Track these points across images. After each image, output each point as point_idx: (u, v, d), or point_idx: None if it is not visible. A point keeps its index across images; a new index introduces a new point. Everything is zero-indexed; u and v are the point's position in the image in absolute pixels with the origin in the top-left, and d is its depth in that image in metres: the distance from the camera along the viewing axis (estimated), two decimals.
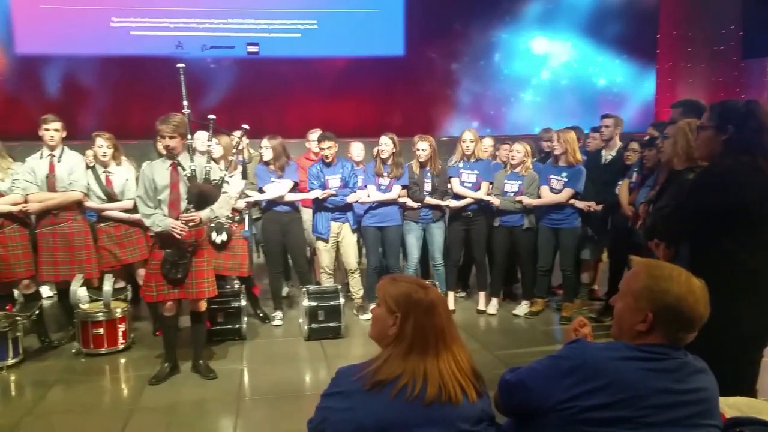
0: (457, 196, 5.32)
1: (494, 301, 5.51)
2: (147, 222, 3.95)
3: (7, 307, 4.52)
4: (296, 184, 5.14)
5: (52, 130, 4.47)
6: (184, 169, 3.89)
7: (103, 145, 4.60)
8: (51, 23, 8.75)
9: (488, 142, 5.78)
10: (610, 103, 10.00)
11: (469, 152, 5.31)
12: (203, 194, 3.92)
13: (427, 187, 5.28)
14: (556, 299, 5.68)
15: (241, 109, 8.15)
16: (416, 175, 5.28)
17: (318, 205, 5.23)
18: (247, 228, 4.99)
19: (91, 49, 8.82)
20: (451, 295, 5.48)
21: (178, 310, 4.16)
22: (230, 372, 4.17)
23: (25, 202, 4.44)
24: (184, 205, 3.90)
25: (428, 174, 5.29)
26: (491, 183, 5.33)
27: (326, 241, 5.23)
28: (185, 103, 4.06)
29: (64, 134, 4.56)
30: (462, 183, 5.32)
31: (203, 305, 4.11)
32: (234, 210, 4.84)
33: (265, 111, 8.62)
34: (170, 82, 4.32)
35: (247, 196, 5.03)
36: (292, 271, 5.75)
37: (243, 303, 4.79)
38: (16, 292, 4.72)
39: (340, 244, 5.29)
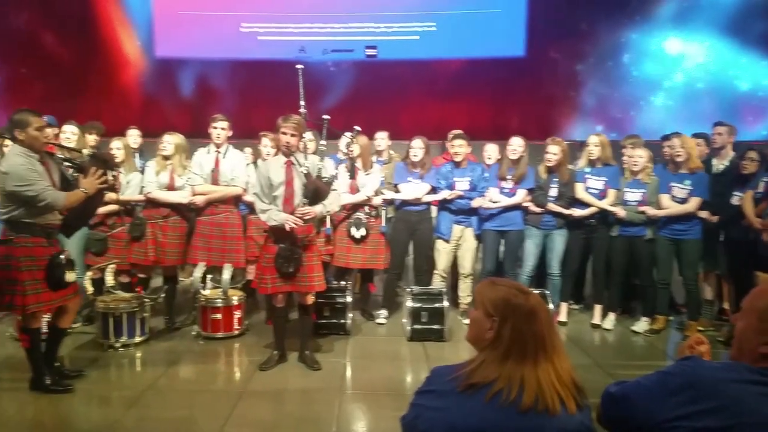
0: (580, 202, 5.09)
1: (611, 315, 5.21)
2: (263, 217, 4.12)
3: (137, 290, 4.92)
4: (434, 189, 5.18)
5: (219, 128, 4.78)
6: (299, 166, 4.03)
7: (267, 144, 4.91)
8: (187, 29, 9.47)
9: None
10: (754, 109, 9.15)
11: (595, 157, 5.07)
12: (318, 190, 4.06)
13: (553, 192, 5.10)
14: (679, 318, 5.28)
15: (357, 110, 8.32)
16: (542, 180, 5.11)
17: (443, 206, 5.23)
18: (384, 224, 5.13)
19: (222, 52, 9.43)
20: (564, 306, 5.26)
21: (288, 302, 4.33)
22: (334, 365, 4.27)
23: (193, 194, 4.81)
24: (297, 200, 4.05)
25: (555, 179, 5.11)
26: (618, 190, 5.04)
27: (447, 242, 5.22)
28: (302, 103, 4.22)
29: (230, 133, 4.86)
30: (587, 189, 5.08)
31: (311, 299, 4.25)
32: (371, 206, 5.04)
33: (380, 113, 8.74)
34: (292, 84, 4.50)
35: (381, 193, 5.16)
36: (407, 270, 5.78)
37: (349, 299, 4.88)
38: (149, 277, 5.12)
39: (459, 248, 5.26)
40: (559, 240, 5.14)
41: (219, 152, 4.85)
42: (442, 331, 4.74)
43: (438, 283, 5.22)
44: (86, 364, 4.15)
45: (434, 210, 5.47)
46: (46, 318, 3.88)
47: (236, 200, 4.99)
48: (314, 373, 4.12)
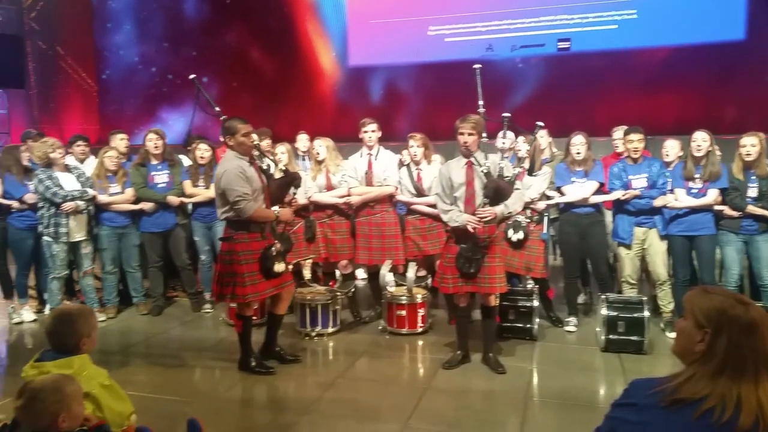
0: None
1: None
2: (444, 218, 4.13)
3: (330, 284, 5.23)
4: (601, 185, 4.84)
5: (370, 131, 5.00)
6: (480, 166, 3.97)
7: (414, 145, 4.99)
8: (377, 36, 9.88)
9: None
10: None
11: None
12: (499, 190, 3.95)
13: (752, 192, 4.44)
14: None
15: (547, 107, 7.99)
16: (738, 179, 4.48)
17: (619, 207, 4.82)
18: (545, 230, 4.88)
19: (409, 57, 9.66)
20: None
21: (470, 303, 4.29)
22: (519, 370, 4.13)
23: (348, 195, 5.06)
24: (478, 201, 3.98)
25: (753, 177, 4.45)
26: None
27: (629, 247, 4.80)
28: (480, 102, 4.17)
29: (380, 134, 5.06)
30: None
31: (494, 300, 4.15)
32: (533, 210, 4.80)
33: (571, 108, 8.30)
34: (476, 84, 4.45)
35: (548, 197, 4.90)
36: (591, 276, 5.43)
37: (535, 303, 4.68)
38: (337, 272, 5.41)
39: (646, 252, 4.80)
40: (764, 246, 4.47)
41: (371, 154, 5.02)
42: (641, 343, 4.33)
43: (628, 292, 4.81)
44: (286, 349, 4.48)
45: (607, 212, 5.06)
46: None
47: (391, 200, 5.11)
48: (498, 376, 4.03)
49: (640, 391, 1.50)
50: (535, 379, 4.03)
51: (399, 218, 5.16)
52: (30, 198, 5.17)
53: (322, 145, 5.14)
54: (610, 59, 8.80)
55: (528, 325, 4.69)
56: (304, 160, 5.74)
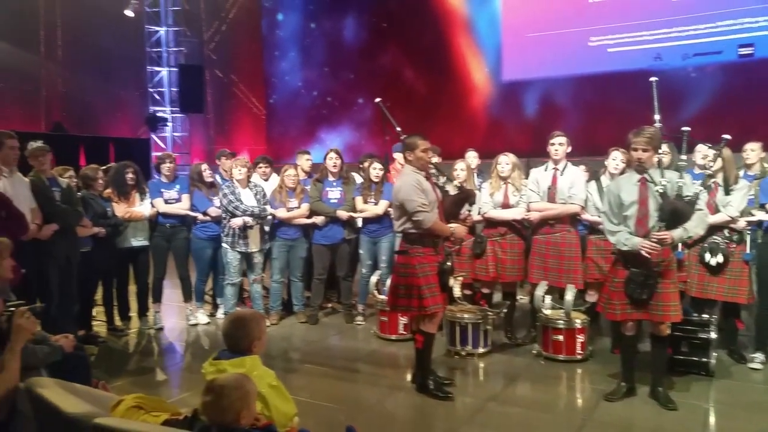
0: None
1: None
2: (611, 239, 3.85)
3: (481, 303, 5.11)
4: None
5: (557, 144, 4.71)
6: (654, 184, 3.66)
7: (617, 158, 4.66)
8: (533, 50, 9.66)
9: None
10: None
11: None
12: (676, 212, 3.60)
13: None
14: None
15: (725, 118, 7.27)
16: None
17: None
18: (748, 250, 4.39)
19: (567, 69, 9.32)
20: None
21: (638, 331, 3.96)
22: (692, 408, 3.73)
23: (527, 210, 4.89)
24: (651, 222, 3.67)
25: None
26: None
27: None
28: (657, 116, 3.88)
29: (569, 149, 4.77)
30: None
31: (666, 329, 3.80)
32: (731, 230, 4.36)
33: (755, 119, 7.47)
34: (643, 95, 4.18)
35: (750, 214, 4.40)
36: None
37: (713, 335, 4.21)
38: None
39: None
40: None
41: (557, 169, 4.75)
42: None
43: None
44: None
45: None
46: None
47: (573, 219, 4.80)
48: (668, 413, 3.66)
49: None
50: (712, 420, 3.62)
51: (581, 238, 4.86)
52: (213, 211, 5.69)
53: (509, 162, 5.03)
54: None
55: (704, 359, 4.22)
56: (478, 176, 5.72)
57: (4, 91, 11.11)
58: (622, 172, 4.54)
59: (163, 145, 12.84)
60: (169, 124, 13.06)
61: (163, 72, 12.97)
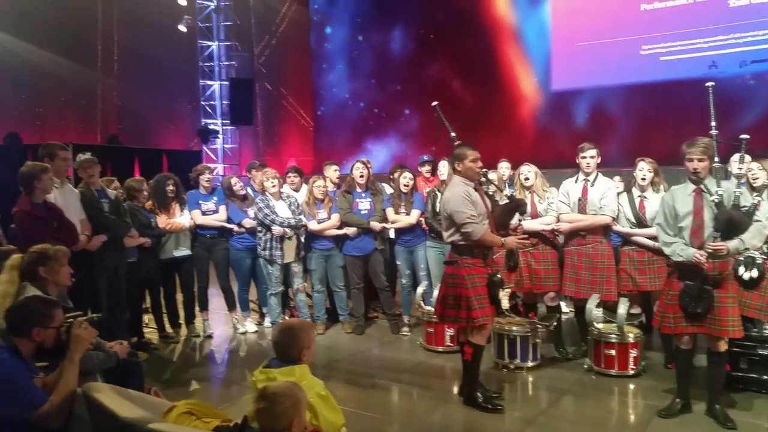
0: None
1: None
2: (667, 251, 3.74)
3: (530, 315, 5.03)
4: None
5: (588, 157, 4.69)
6: (710, 195, 3.55)
7: (644, 168, 4.64)
8: (583, 59, 9.53)
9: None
10: None
11: None
12: (732, 222, 3.49)
13: None
14: None
15: None
16: None
17: None
18: None
19: (619, 78, 9.15)
20: None
21: (694, 345, 3.83)
22: (754, 428, 3.58)
23: (558, 221, 4.85)
24: (707, 233, 3.56)
25: None
26: None
27: None
28: (713, 123, 3.77)
29: (599, 160, 4.73)
30: None
31: (723, 345, 3.65)
32: None
33: None
34: (697, 104, 4.07)
35: None
36: None
37: None
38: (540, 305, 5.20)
39: None
40: None
41: (587, 180, 4.69)
42: None
43: None
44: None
45: None
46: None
47: (606, 230, 4.71)
48: (726, 431, 3.52)
49: None
50: None
51: (614, 250, 4.80)
52: (247, 223, 5.79)
53: (531, 171, 5.01)
54: None
55: (765, 377, 4.05)
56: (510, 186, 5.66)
57: (62, 104, 11.65)
58: (652, 183, 4.62)
59: (214, 157, 13.20)
60: (220, 136, 13.41)
61: (215, 85, 13.36)
